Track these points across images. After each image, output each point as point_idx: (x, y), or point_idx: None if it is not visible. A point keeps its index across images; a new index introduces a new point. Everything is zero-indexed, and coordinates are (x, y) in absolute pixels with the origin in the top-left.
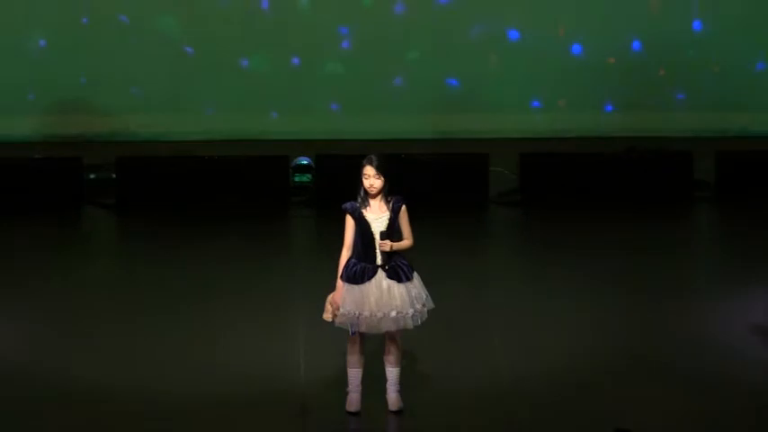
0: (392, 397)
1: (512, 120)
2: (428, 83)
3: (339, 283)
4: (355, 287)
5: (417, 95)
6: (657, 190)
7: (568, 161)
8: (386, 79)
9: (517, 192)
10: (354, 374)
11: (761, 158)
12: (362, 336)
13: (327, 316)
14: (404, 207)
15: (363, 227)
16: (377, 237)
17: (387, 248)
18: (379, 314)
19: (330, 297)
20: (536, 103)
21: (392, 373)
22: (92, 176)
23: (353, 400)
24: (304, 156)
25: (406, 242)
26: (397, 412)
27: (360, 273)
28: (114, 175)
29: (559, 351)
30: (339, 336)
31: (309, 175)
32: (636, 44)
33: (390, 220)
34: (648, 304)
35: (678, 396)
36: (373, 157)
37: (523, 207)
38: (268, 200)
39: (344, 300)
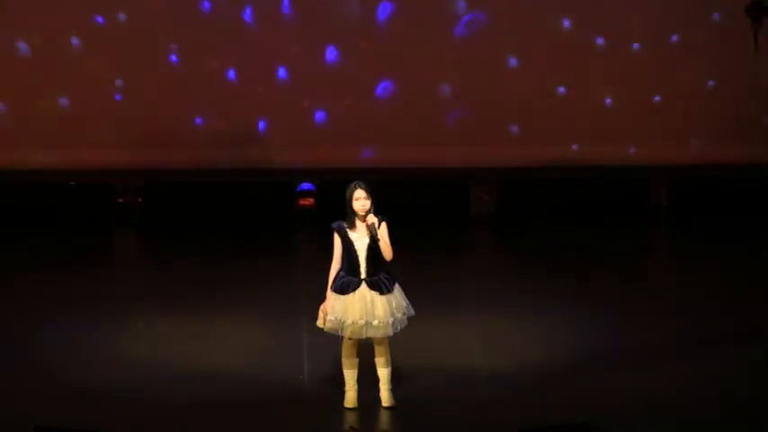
0: (384, 395)
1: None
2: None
3: (329, 293)
4: (342, 297)
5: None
6: (617, 211)
7: (541, 186)
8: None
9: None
10: (350, 375)
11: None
12: (355, 341)
13: (320, 323)
14: (384, 223)
15: (348, 244)
16: (360, 254)
17: (371, 222)
18: (362, 322)
19: (322, 306)
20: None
21: (383, 373)
22: (120, 201)
23: (350, 397)
24: (307, 182)
25: (388, 248)
26: (390, 408)
27: (346, 285)
28: (140, 200)
29: (525, 350)
30: (337, 340)
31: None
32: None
33: (371, 239)
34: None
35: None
36: (362, 182)
37: (499, 225)
38: (276, 220)
39: (332, 308)
